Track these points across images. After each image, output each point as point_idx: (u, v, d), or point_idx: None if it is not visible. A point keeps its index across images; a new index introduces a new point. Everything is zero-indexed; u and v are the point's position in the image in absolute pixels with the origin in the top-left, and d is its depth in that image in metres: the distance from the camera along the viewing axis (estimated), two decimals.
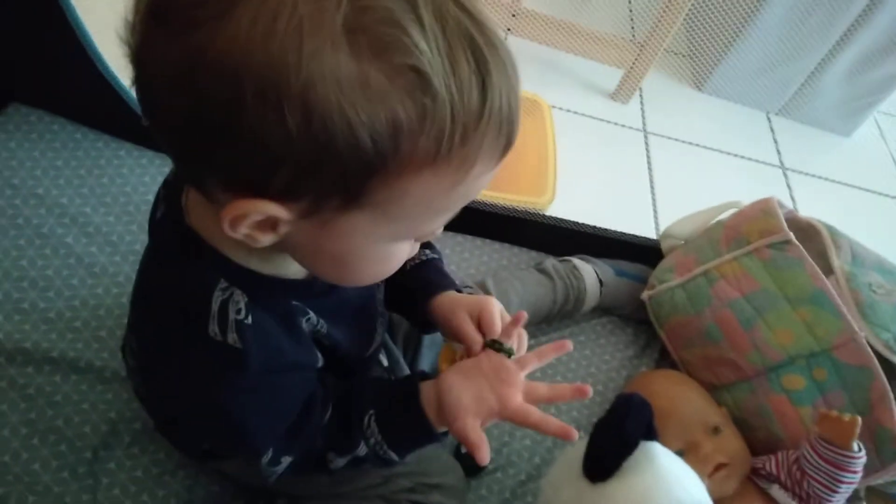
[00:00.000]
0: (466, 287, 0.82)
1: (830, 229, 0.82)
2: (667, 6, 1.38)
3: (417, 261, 0.63)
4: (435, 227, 0.41)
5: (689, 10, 1.40)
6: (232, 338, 0.41)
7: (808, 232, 0.82)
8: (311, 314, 0.48)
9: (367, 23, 0.29)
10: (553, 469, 0.64)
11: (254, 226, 0.36)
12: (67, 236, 0.79)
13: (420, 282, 0.61)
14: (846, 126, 1.68)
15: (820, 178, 1.59)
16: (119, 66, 0.84)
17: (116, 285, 0.79)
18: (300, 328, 0.47)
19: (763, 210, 0.81)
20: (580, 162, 1.38)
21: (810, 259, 0.76)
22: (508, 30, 1.54)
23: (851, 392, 0.74)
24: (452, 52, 0.30)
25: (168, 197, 0.45)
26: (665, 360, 0.90)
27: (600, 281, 0.88)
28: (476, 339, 0.54)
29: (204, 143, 0.33)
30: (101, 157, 0.87)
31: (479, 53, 0.31)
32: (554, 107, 1.45)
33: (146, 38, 0.32)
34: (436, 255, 0.64)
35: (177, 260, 0.44)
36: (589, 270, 0.88)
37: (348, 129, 0.30)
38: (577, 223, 0.95)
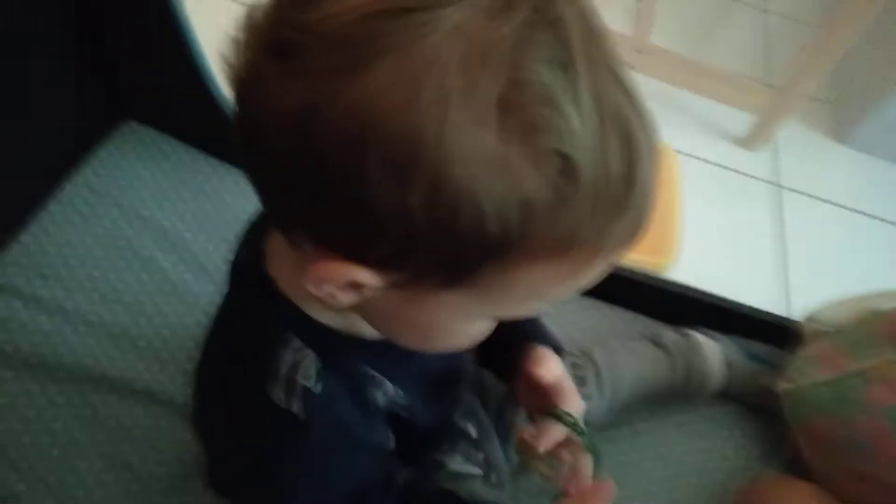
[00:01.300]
0: (571, 355, 0.74)
1: None
2: (815, 48, 1.24)
3: None
4: (528, 313, 0.37)
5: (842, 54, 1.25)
6: (297, 406, 0.39)
7: None
8: (388, 384, 0.44)
9: (522, 101, 0.26)
10: None
11: (338, 288, 0.32)
12: (165, 262, 0.78)
13: (517, 332, 0.55)
14: None
15: None
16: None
17: (208, 317, 0.76)
18: (374, 402, 0.44)
19: None
20: (701, 216, 1.26)
21: None
22: (631, 67, 1.44)
23: None
24: (605, 138, 0.27)
25: (251, 241, 0.43)
26: (798, 465, 0.77)
27: (727, 365, 0.77)
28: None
29: (304, 197, 0.29)
30: (207, 182, 0.86)
31: (633, 143, 0.28)
32: (676, 151, 1.34)
33: (258, 69, 0.29)
34: None
35: (250, 309, 0.42)
36: (714, 348, 0.78)
37: (476, 213, 0.27)
38: (704, 292, 0.85)
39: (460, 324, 0.38)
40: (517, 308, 0.36)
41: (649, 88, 1.46)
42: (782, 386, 0.76)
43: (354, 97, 0.26)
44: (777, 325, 0.85)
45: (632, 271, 0.85)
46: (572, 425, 0.49)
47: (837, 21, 1.21)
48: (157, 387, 0.70)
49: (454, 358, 0.53)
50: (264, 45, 0.28)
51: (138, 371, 0.71)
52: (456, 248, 0.28)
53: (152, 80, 0.83)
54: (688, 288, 0.85)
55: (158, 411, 0.69)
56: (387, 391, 0.45)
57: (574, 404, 0.52)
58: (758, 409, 0.81)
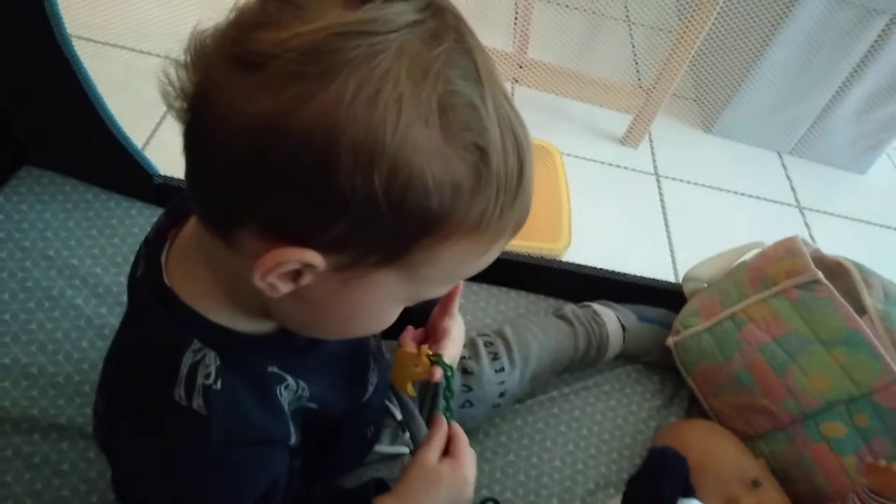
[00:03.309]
0: (484, 335, 0.80)
1: (860, 267, 0.79)
2: (671, 53, 1.39)
3: None
4: (435, 295, 0.43)
5: (694, 54, 1.40)
6: (197, 403, 0.40)
7: (836, 271, 0.79)
8: (290, 379, 0.46)
9: (454, 105, 0.33)
10: None
11: (283, 275, 0.36)
12: (77, 298, 0.78)
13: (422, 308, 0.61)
14: (860, 164, 1.67)
15: (838, 216, 1.56)
16: (130, 126, 0.84)
17: None
18: (275, 398, 0.46)
19: (788, 249, 0.78)
20: (594, 208, 1.37)
21: (842, 299, 0.73)
22: (515, 80, 1.55)
23: None
24: (504, 140, 0.35)
25: (148, 255, 0.45)
26: (695, 408, 0.86)
27: (623, 326, 0.85)
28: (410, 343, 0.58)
29: (268, 186, 0.33)
30: (112, 217, 0.86)
31: (520, 144, 0.36)
32: (565, 154, 1.45)
33: (225, 82, 0.32)
34: None
35: (149, 318, 0.43)
36: (610, 316, 0.86)
37: (423, 190, 0.33)
38: (596, 268, 0.93)
39: (382, 307, 0.41)
40: (436, 286, 0.41)
41: (535, 99, 1.58)
42: (671, 339, 0.85)
43: (325, 100, 0.31)
44: (666, 290, 0.94)
45: (531, 256, 0.92)
46: (444, 365, 0.56)
47: (686, 26, 1.36)
48: (81, 420, 0.70)
49: (357, 343, 0.56)
50: (227, 58, 0.33)
51: (60, 407, 0.70)
52: (402, 225, 0.34)
53: (48, 124, 0.83)
54: (583, 267, 0.93)
55: (85, 444, 0.69)
56: (289, 386, 0.46)
57: (451, 352, 0.59)
58: (655, 365, 0.89)
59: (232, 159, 0.33)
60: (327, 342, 0.48)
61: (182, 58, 0.34)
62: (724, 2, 1.30)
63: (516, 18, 1.65)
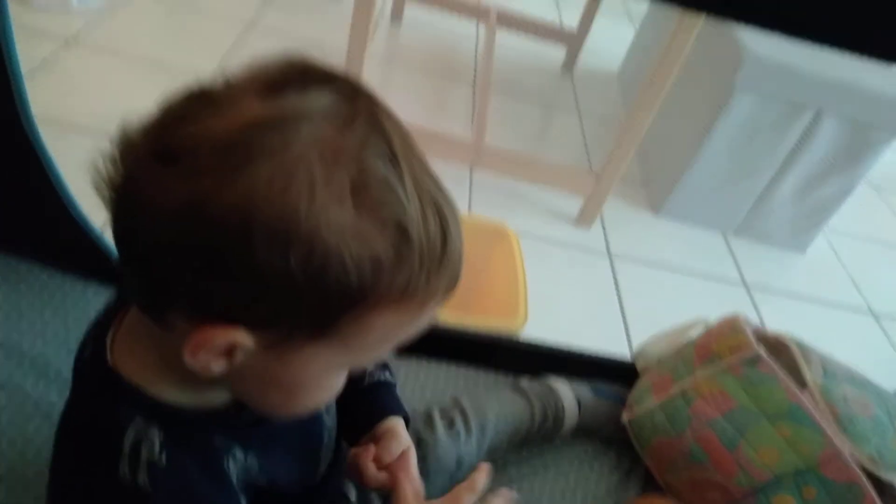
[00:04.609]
0: (441, 407, 0.80)
1: (799, 344, 0.83)
2: (619, 140, 1.48)
3: (374, 380, 0.65)
4: (373, 361, 0.47)
5: (641, 141, 1.49)
6: (142, 479, 0.40)
7: (777, 347, 0.83)
8: (238, 452, 0.46)
9: (367, 184, 0.35)
10: None
11: (214, 354, 0.37)
12: (25, 382, 0.76)
13: (374, 404, 0.63)
14: (800, 243, 1.76)
15: (782, 294, 1.64)
16: (91, 207, 0.85)
17: None
18: (223, 470, 0.46)
19: (731, 327, 0.82)
20: (551, 287, 1.40)
21: (783, 374, 0.77)
22: (472, 165, 1.61)
23: None
24: (425, 212, 0.37)
25: (95, 336, 0.46)
26: (651, 484, 0.87)
27: (578, 401, 0.87)
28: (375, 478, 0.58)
29: (190, 272, 0.34)
30: (66, 299, 0.85)
31: (442, 214, 0.38)
32: (522, 234, 1.50)
33: (147, 176, 0.34)
34: (392, 380, 0.66)
35: (94, 398, 0.43)
36: (565, 390, 0.87)
37: (341, 267, 0.34)
38: (551, 345, 0.95)
39: (322, 378, 0.43)
40: (371, 353, 0.42)
41: (493, 184, 1.64)
42: (626, 416, 0.87)
43: (240, 189, 0.33)
44: (620, 366, 0.97)
45: (488, 335, 0.94)
46: None
47: (632, 116, 1.45)
48: None
49: (310, 421, 0.56)
50: (149, 153, 0.35)
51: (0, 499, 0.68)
52: (324, 300, 0.35)
53: (6, 205, 0.83)
54: (539, 344, 0.95)
55: None
56: (237, 458, 0.46)
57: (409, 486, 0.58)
58: (611, 440, 0.90)
59: (154, 246, 0.35)
60: (279, 417, 0.48)
61: (110, 150, 0.36)
62: (665, 94, 1.40)
63: (474, 109, 1.74)
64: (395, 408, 0.64)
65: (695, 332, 0.89)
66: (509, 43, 2.22)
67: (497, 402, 0.82)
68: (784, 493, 0.74)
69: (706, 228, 1.76)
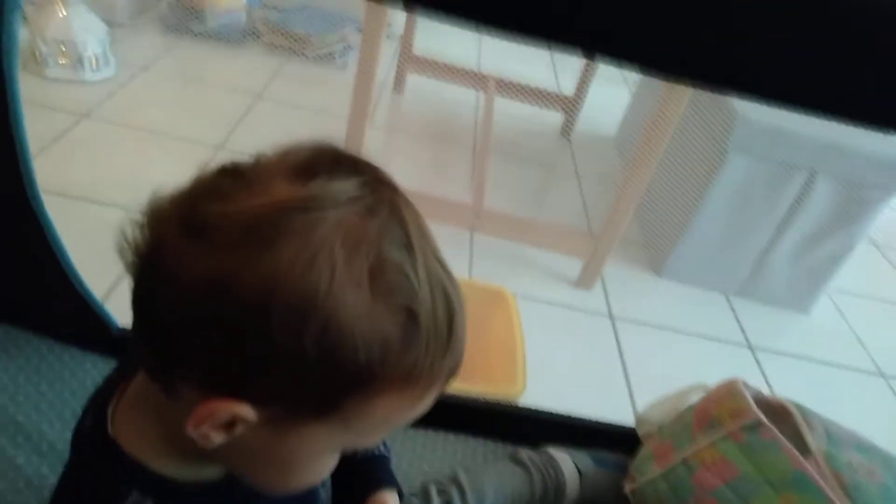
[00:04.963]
0: (437, 482, 0.79)
1: (801, 409, 0.82)
2: (617, 201, 1.50)
3: (369, 454, 0.64)
4: (371, 444, 0.47)
5: (640, 203, 1.51)
6: None
7: (779, 413, 0.81)
8: None
9: (384, 271, 0.36)
10: None
11: (216, 426, 0.37)
12: (18, 457, 0.75)
13: (368, 476, 0.63)
14: (803, 303, 1.76)
15: (787, 355, 1.62)
16: (92, 277, 0.86)
17: None
18: None
19: (729, 392, 0.81)
20: (552, 350, 1.40)
21: (785, 441, 0.75)
22: (473, 228, 1.63)
23: None
24: (434, 298, 0.38)
25: (96, 407, 0.46)
26: None
27: (579, 472, 0.85)
28: None
29: (207, 344, 0.35)
30: (64, 370, 0.86)
31: (450, 301, 0.39)
32: (521, 297, 1.50)
33: (173, 248, 0.36)
34: (386, 454, 0.66)
35: (91, 471, 0.44)
36: (567, 461, 0.86)
37: (352, 348, 0.35)
38: (551, 412, 0.94)
39: (318, 457, 0.43)
40: (371, 436, 0.43)
41: (493, 246, 1.66)
42: (628, 487, 0.85)
43: (264, 266, 0.34)
44: (620, 433, 0.95)
45: (486, 402, 0.93)
46: None
47: (628, 176, 1.48)
48: None
49: (306, 494, 0.55)
50: (179, 225, 0.36)
51: None
52: (332, 379, 0.36)
53: (7, 275, 0.84)
54: (539, 411, 0.94)
55: None
56: None
57: None
58: None
59: (173, 316, 0.36)
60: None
61: (139, 218, 0.38)
62: (660, 156, 1.43)
63: (473, 173, 1.77)
64: (388, 480, 0.63)
65: (694, 397, 0.87)
66: (509, 110, 2.28)
67: (495, 476, 0.81)
68: None
69: (708, 289, 1.76)
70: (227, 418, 0.37)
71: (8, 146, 0.70)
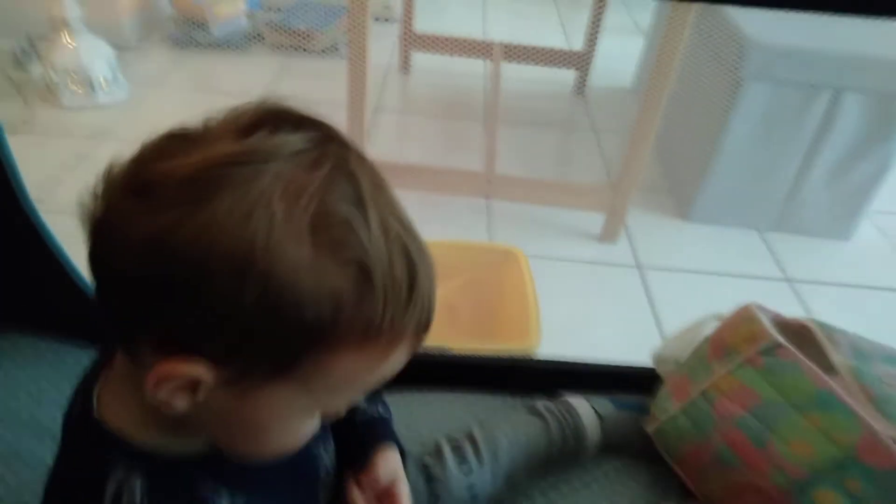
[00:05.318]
0: (451, 437, 0.78)
1: (823, 326, 0.78)
2: (631, 146, 1.45)
3: (368, 416, 0.64)
4: (343, 405, 0.45)
5: (658, 147, 1.47)
6: None
7: (801, 334, 0.78)
8: (225, 496, 0.46)
9: (328, 223, 0.35)
10: None
11: (175, 388, 0.37)
12: (44, 452, 0.78)
13: (365, 436, 0.62)
14: (843, 230, 1.67)
15: (830, 284, 1.55)
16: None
17: None
18: None
19: (743, 318, 0.77)
20: (581, 307, 1.37)
21: (805, 359, 0.72)
22: (487, 195, 1.61)
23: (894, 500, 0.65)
24: (391, 254, 0.37)
25: (83, 390, 0.46)
26: (690, 498, 0.81)
27: (599, 415, 0.83)
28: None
29: (155, 303, 0.35)
30: (62, 365, 0.88)
31: (409, 257, 0.38)
32: (545, 258, 1.48)
33: (120, 209, 0.36)
34: (386, 415, 0.65)
35: (77, 452, 0.44)
36: (583, 404, 0.83)
37: (295, 304, 0.34)
38: (566, 360, 0.92)
39: (286, 420, 0.42)
40: (336, 396, 0.42)
41: (509, 210, 1.63)
42: (650, 426, 0.82)
43: (200, 220, 0.33)
44: (640, 374, 0.92)
45: (500, 358, 0.92)
46: None
47: (639, 119, 1.43)
48: None
49: (304, 459, 0.56)
50: (124, 187, 0.36)
51: None
52: (281, 336, 0.35)
53: (17, 287, 0.88)
54: (552, 360, 0.92)
55: None
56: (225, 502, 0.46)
57: None
58: (641, 455, 0.85)
59: (122, 278, 0.36)
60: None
61: (94, 185, 0.38)
62: (674, 96, 1.38)
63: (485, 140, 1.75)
64: (388, 437, 0.63)
65: (710, 327, 0.84)
66: (519, 74, 2.24)
67: (509, 426, 0.79)
68: (825, 488, 0.68)
69: (740, 228, 1.69)
70: (184, 380, 0.37)
71: None
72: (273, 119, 0.38)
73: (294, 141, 0.36)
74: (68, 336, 0.92)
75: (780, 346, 0.73)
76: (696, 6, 1.31)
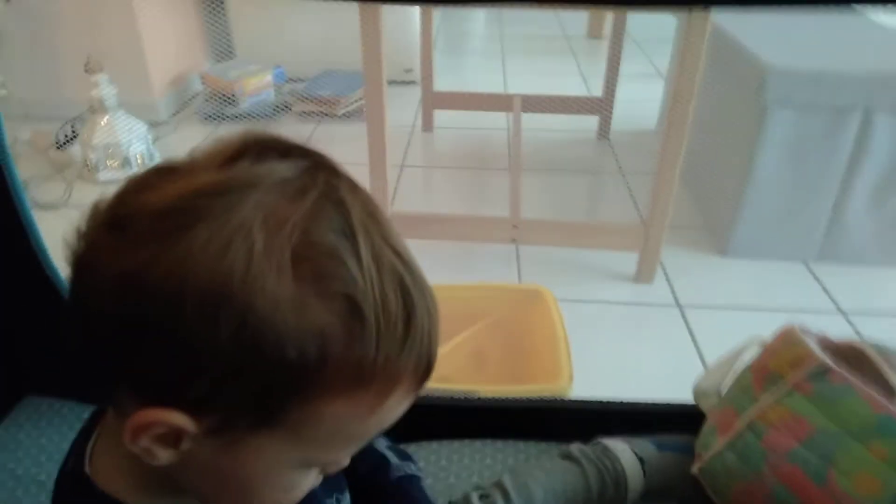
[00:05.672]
0: (480, 488, 0.73)
1: (878, 347, 0.71)
2: (658, 182, 1.42)
3: (400, 474, 0.61)
4: (343, 457, 0.41)
5: (688, 184, 1.43)
6: None
7: (853, 357, 0.71)
8: None
9: (312, 255, 0.33)
10: None
11: (156, 439, 0.35)
12: None
13: (400, 499, 0.59)
14: (893, 256, 1.59)
15: (887, 314, 1.45)
16: None
17: None
18: None
19: (786, 341, 0.72)
20: (623, 348, 1.32)
21: (860, 383, 0.65)
22: (514, 240, 1.59)
23: None
24: (384, 289, 0.34)
25: (76, 446, 0.44)
26: None
27: (640, 459, 0.77)
28: None
29: (131, 344, 0.33)
30: (63, 424, 0.87)
31: (406, 291, 0.35)
32: (578, 300, 1.44)
33: (98, 245, 0.34)
34: (418, 473, 0.62)
35: None
36: (624, 449, 0.78)
37: (276, 342, 0.32)
38: (602, 399, 0.87)
39: (275, 475, 0.39)
40: (331, 448, 0.39)
41: (537, 255, 1.60)
42: (695, 467, 0.76)
43: (176, 254, 0.31)
44: (682, 411, 0.86)
45: (531, 400, 0.87)
46: None
47: (663, 154, 1.40)
48: None
49: None
50: (104, 222, 0.35)
51: None
52: (263, 379, 0.32)
53: (46, 352, 0.88)
54: (587, 401, 0.87)
55: None
56: None
57: None
58: (688, 501, 0.78)
59: (98, 319, 0.34)
60: None
61: (79, 223, 0.36)
62: (699, 131, 1.35)
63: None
64: (422, 501, 0.60)
65: (750, 354, 0.78)
66: (542, 124, 2.25)
67: (543, 474, 0.74)
68: None
69: (782, 260, 1.62)
70: (164, 430, 0.34)
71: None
72: (258, 148, 0.36)
73: (280, 170, 0.34)
74: (91, 399, 0.91)
75: (829, 369, 0.68)
76: (707, 40, 1.30)
